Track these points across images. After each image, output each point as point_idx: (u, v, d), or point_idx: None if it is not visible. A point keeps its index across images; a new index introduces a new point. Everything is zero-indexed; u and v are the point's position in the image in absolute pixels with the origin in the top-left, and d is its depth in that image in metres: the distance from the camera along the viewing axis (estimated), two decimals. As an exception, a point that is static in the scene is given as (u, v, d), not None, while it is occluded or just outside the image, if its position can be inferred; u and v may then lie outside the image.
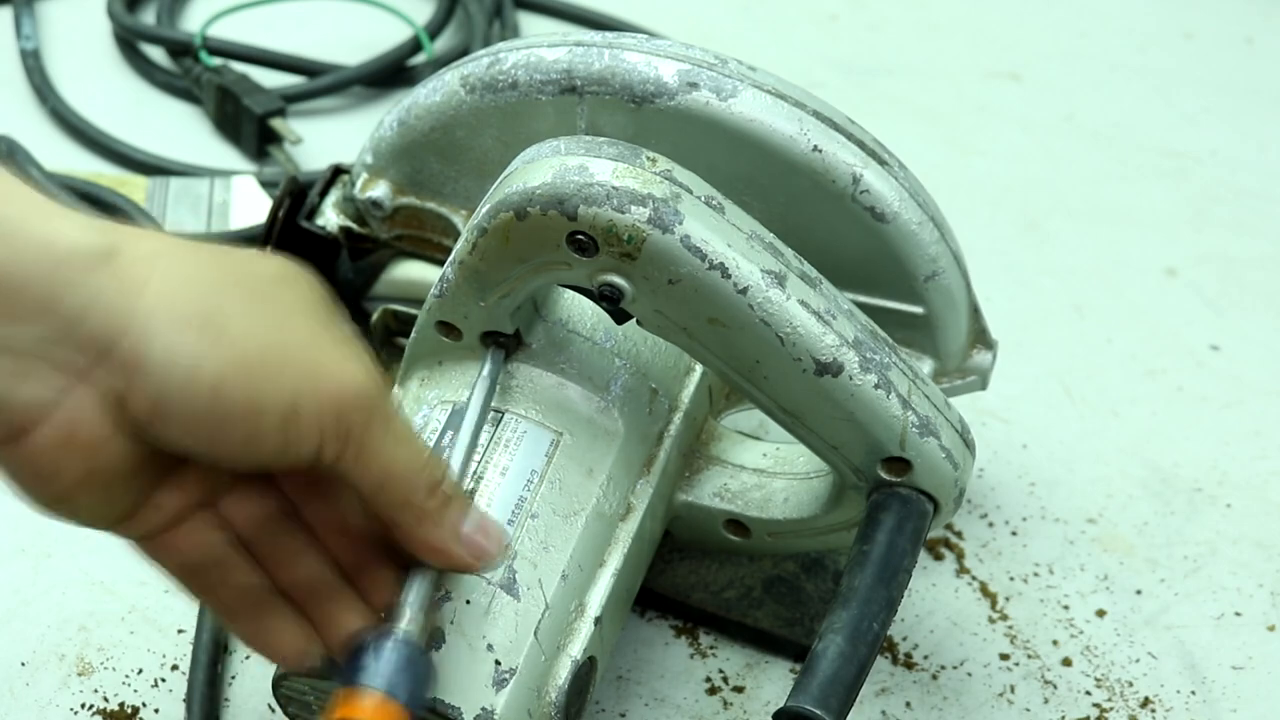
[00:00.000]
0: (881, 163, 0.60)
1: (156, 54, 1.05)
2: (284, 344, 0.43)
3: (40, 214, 0.41)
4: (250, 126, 0.94)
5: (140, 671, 0.63)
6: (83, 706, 0.62)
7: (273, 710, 0.61)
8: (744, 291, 0.52)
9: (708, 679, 0.65)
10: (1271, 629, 0.69)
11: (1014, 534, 0.73)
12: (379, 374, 0.46)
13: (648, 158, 0.52)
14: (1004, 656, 0.67)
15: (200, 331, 0.42)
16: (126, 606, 0.66)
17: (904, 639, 0.67)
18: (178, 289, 0.42)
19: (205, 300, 0.43)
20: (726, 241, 0.52)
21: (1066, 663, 0.67)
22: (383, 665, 0.46)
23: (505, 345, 0.57)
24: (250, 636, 0.49)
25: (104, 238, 0.42)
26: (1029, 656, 0.67)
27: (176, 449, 0.44)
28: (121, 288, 0.41)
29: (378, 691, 0.45)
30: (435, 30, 1.06)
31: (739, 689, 0.65)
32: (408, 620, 0.47)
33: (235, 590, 0.48)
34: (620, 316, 0.55)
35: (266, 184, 0.89)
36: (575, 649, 0.54)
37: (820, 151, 0.59)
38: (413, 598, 0.48)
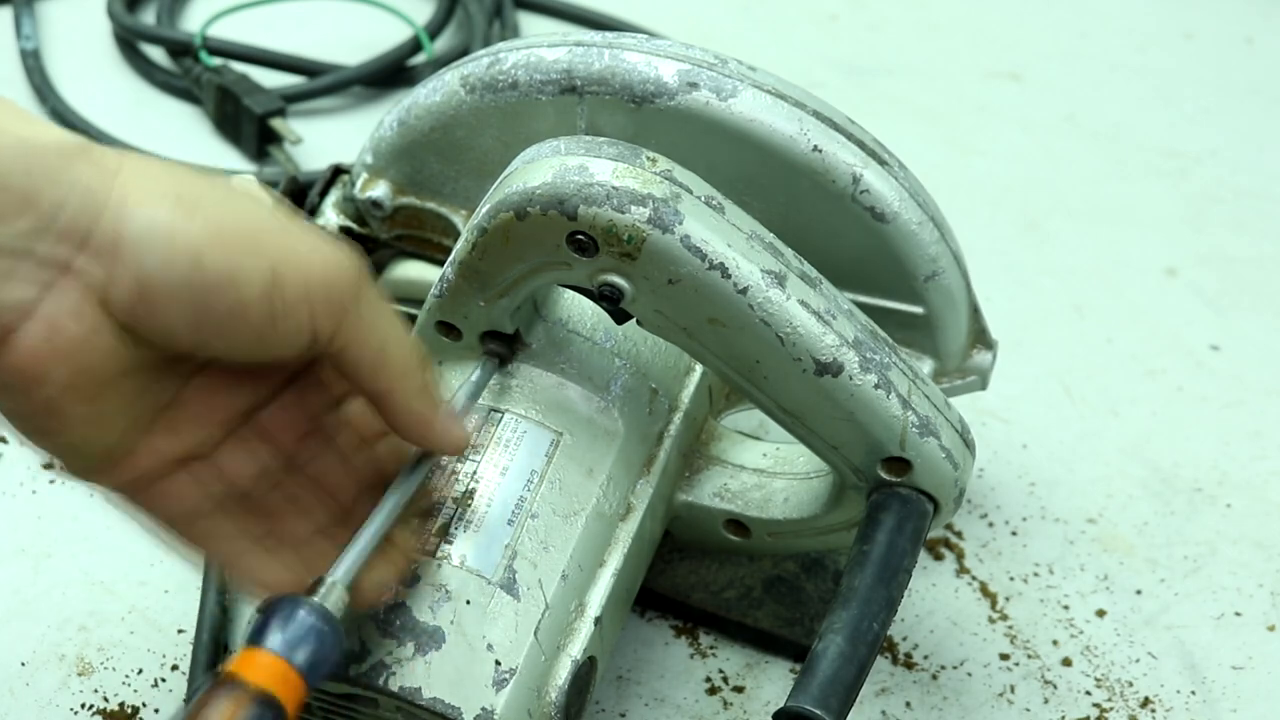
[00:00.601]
0: (881, 163, 0.60)
1: (156, 54, 1.05)
2: (260, 221, 0.44)
3: (18, 119, 0.42)
4: (250, 126, 0.95)
5: (140, 671, 0.63)
6: (83, 706, 0.62)
7: (273, 710, 0.61)
8: (744, 291, 0.52)
9: (708, 679, 0.65)
10: (1271, 629, 0.69)
11: (1014, 534, 0.73)
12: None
13: (648, 158, 0.52)
14: (1004, 656, 0.67)
15: (175, 204, 0.42)
16: (126, 606, 0.66)
17: (904, 639, 0.67)
18: (151, 173, 0.43)
19: (178, 182, 0.43)
20: (726, 241, 0.52)
21: (1066, 663, 0.67)
22: (289, 631, 0.45)
23: (499, 355, 0.57)
24: (240, 576, 0.49)
25: (79, 139, 0.42)
26: (1029, 656, 0.67)
27: (162, 337, 0.43)
28: (98, 173, 0.42)
29: (277, 655, 0.45)
30: (435, 30, 1.06)
31: (739, 689, 0.65)
32: (325, 589, 0.47)
33: (226, 541, 0.48)
34: (620, 316, 0.55)
35: (266, 184, 0.89)
36: (575, 649, 0.54)
37: (820, 151, 0.59)
38: (341, 569, 0.47)
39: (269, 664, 0.44)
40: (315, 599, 0.46)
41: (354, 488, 0.50)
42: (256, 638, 0.45)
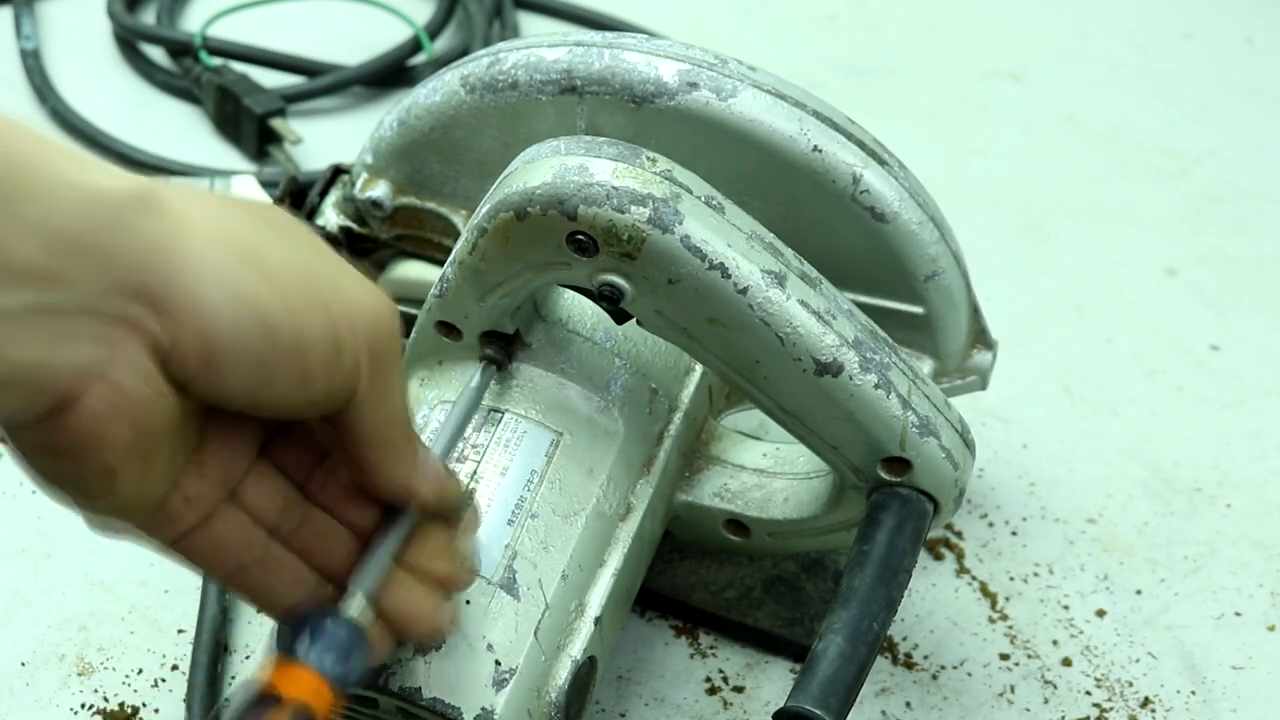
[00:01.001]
0: (881, 163, 0.60)
1: (156, 54, 1.05)
2: (317, 275, 0.43)
3: (75, 165, 0.39)
4: (250, 126, 0.95)
5: (140, 671, 0.63)
6: (83, 706, 0.62)
7: (273, 710, 0.61)
8: (744, 291, 0.52)
9: (708, 679, 0.65)
10: (1271, 629, 0.69)
11: (1014, 534, 0.73)
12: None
13: (648, 158, 0.52)
14: (1004, 656, 0.67)
15: (242, 262, 0.41)
16: (126, 606, 0.66)
17: (904, 639, 0.67)
18: (219, 227, 0.41)
19: (246, 237, 0.42)
20: (726, 241, 0.52)
21: (1066, 663, 0.67)
22: (321, 643, 0.45)
23: (497, 361, 0.57)
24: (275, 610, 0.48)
25: (138, 183, 0.41)
26: (1029, 656, 0.67)
27: (221, 397, 0.42)
28: (163, 224, 0.40)
29: (313, 670, 0.44)
30: (435, 30, 1.06)
31: (739, 689, 0.65)
32: (352, 601, 0.46)
33: (280, 581, 0.47)
34: (620, 316, 0.55)
35: (266, 184, 0.89)
36: (575, 649, 0.54)
37: (820, 151, 0.59)
38: (364, 577, 0.47)
39: (306, 679, 0.44)
40: (345, 613, 0.46)
41: (369, 512, 0.48)
42: (291, 649, 0.45)
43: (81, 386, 0.39)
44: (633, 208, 0.51)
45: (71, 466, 0.41)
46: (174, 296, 0.40)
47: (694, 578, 0.67)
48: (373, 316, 0.44)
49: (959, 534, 0.73)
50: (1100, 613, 0.69)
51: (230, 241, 0.41)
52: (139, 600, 0.66)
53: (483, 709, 0.51)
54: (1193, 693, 0.66)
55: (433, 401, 0.58)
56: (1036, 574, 0.71)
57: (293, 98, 0.98)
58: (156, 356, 0.40)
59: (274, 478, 0.47)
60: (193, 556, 0.46)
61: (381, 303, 0.44)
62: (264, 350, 0.41)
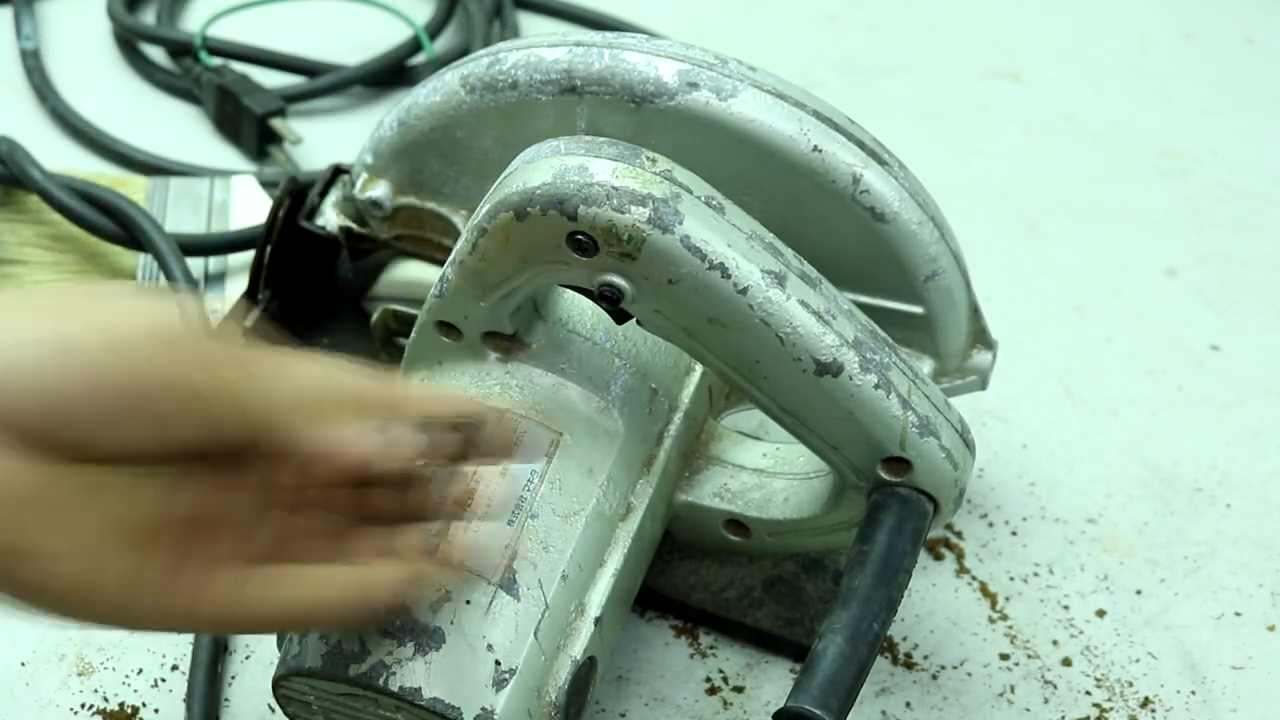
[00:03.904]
0: (881, 163, 0.60)
1: (156, 54, 1.05)
2: (121, 302, 0.43)
3: None
4: (250, 126, 0.95)
5: (140, 671, 0.63)
6: (83, 706, 0.62)
7: (273, 710, 0.61)
8: (744, 291, 0.52)
9: (708, 679, 0.65)
10: (1271, 629, 0.69)
11: (1014, 534, 0.73)
12: None
13: (648, 158, 0.52)
14: (1004, 656, 0.67)
15: (36, 311, 0.41)
16: (126, 606, 0.66)
17: (904, 639, 0.67)
18: (17, 302, 0.42)
19: (31, 297, 0.43)
20: (726, 241, 0.52)
21: (1066, 663, 0.67)
22: None
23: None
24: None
25: None
26: (1029, 656, 0.67)
27: (93, 439, 0.41)
28: None
29: None
30: (435, 30, 1.06)
31: (739, 689, 0.65)
32: None
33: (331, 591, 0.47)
34: (620, 316, 0.55)
35: (266, 184, 0.89)
36: (575, 649, 0.54)
37: (820, 151, 0.59)
38: None
39: None
40: None
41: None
42: None
43: None
44: (633, 208, 0.51)
45: (14, 573, 0.41)
46: None
47: (694, 578, 0.67)
48: (156, 323, 0.42)
49: (959, 534, 0.73)
50: (1100, 613, 0.70)
51: (29, 305, 0.42)
52: (139, 600, 0.66)
53: (483, 709, 0.51)
54: (1193, 693, 0.66)
55: (433, 401, 0.58)
56: (1036, 574, 0.71)
57: (293, 98, 0.98)
58: (5, 431, 0.40)
59: (307, 512, 0.47)
60: (249, 625, 0.47)
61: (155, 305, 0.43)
62: (83, 369, 0.40)
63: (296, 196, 0.72)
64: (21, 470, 0.40)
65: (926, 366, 0.65)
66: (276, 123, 0.94)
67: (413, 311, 0.59)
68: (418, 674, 0.51)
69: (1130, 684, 0.66)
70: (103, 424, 0.41)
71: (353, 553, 0.48)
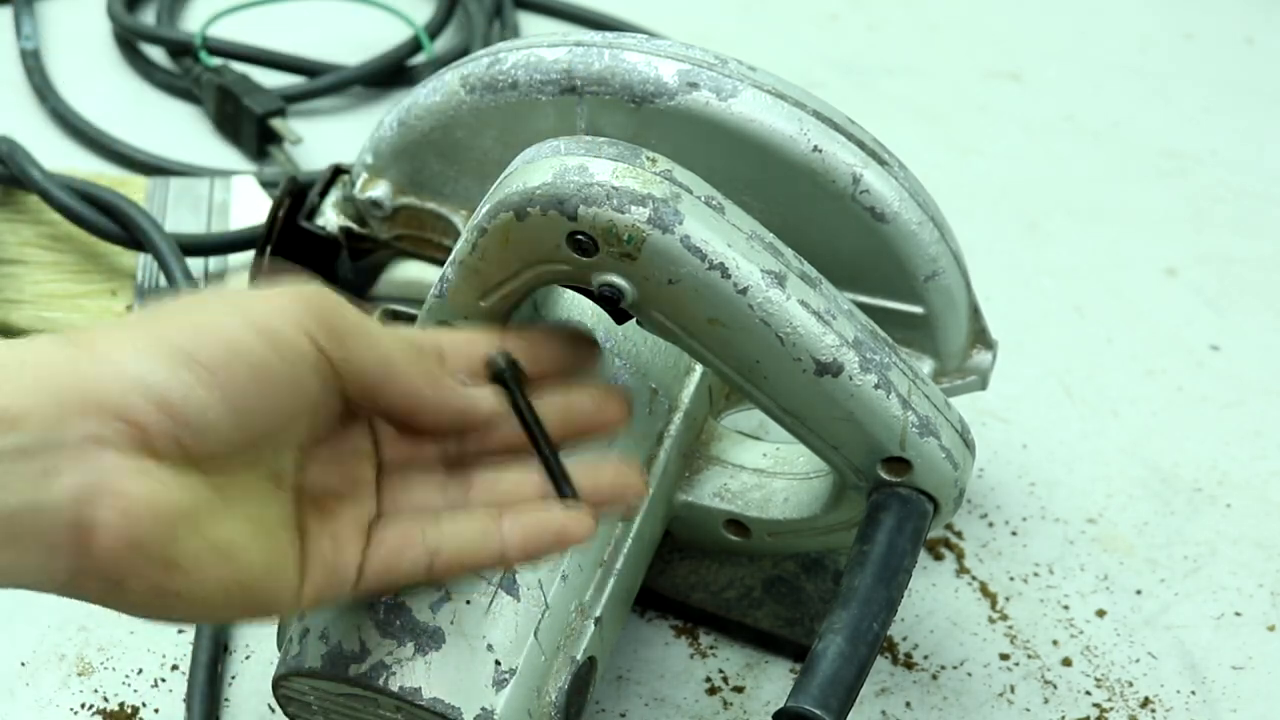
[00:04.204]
0: (881, 163, 0.60)
1: (156, 54, 1.05)
2: (219, 306, 0.45)
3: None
4: (250, 126, 0.95)
5: (140, 671, 0.63)
6: (83, 706, 0.62)
7: (273, 710, 0.61)
8: (744, 291, 0.52)
9: (708, 679, 0.65)
10: (1271, 629, 0.69)
11: (1014, 534, 0.73)
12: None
13: (648, 158, 0.52)
14: (1004, 656, 0.67)
15: (144, 329, 0.43)
16: (126, 606, 0.66)
17: (904, 639, 0.67)
18: (110, 328, 0.43)
19: (136, 319, 0.45)
20: (726, 241, 0.52)
21: (1066, 663, 0.67)
22: None
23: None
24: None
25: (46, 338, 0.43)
26: (1029, 656, 0.67)
27: (222, 439, 0.43)
28: (82, 344, 0.42)
29: None
30: (435, 30, 1.06)
31: (739, 689, 0.65)
32: None
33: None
34: (620, 316, 0.55)
35: (266, 184, 0.89)
36: (575, 649, 0.54)
37: (820, 151, 0.59)
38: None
39: None
40: None
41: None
42: None
43: (89, 514, 0.40)
44: (633, 208, 0.51)
45: (135, 582, 0.42)
46: (111, 393, 0.41)
47: (694, 578, 0.67)
48: (285, 292, 0.45)
49: (959, 534, 0.73)
50: (1100, 613, 0.70)
51: (125, 326, 0.43)
52: (139, 600, 0.66)
53: (483, 709, 0.51)
54: (1193, 693, 0.66)
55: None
56: (1036, 574, 0.71)
57: (293, 98, 0.98)
58: (138, 449, 0.41)
59: (417, 470, 0.50)
60: (388, 586, 0.49)
61: (293, 287, 0.46)
62: (205, 375, 0.42)
63: (296, 196, 0.72)
64: (161, 485, 0.42)
65: (926, 366, 0.65)
66: (276, 123, 0.94)
67: (413, 311, 0.59)
68: (418, 674, 0.51)
69: (1130, 684, 0.66)
70: (224, 423, 0.43)
71: (468, 502, 0.50)
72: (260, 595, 0.45)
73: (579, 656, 0.54)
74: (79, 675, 0.63)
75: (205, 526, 0.43)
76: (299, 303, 0.45)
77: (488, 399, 0.50)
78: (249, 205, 0.87)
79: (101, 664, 0.63)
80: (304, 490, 0.47)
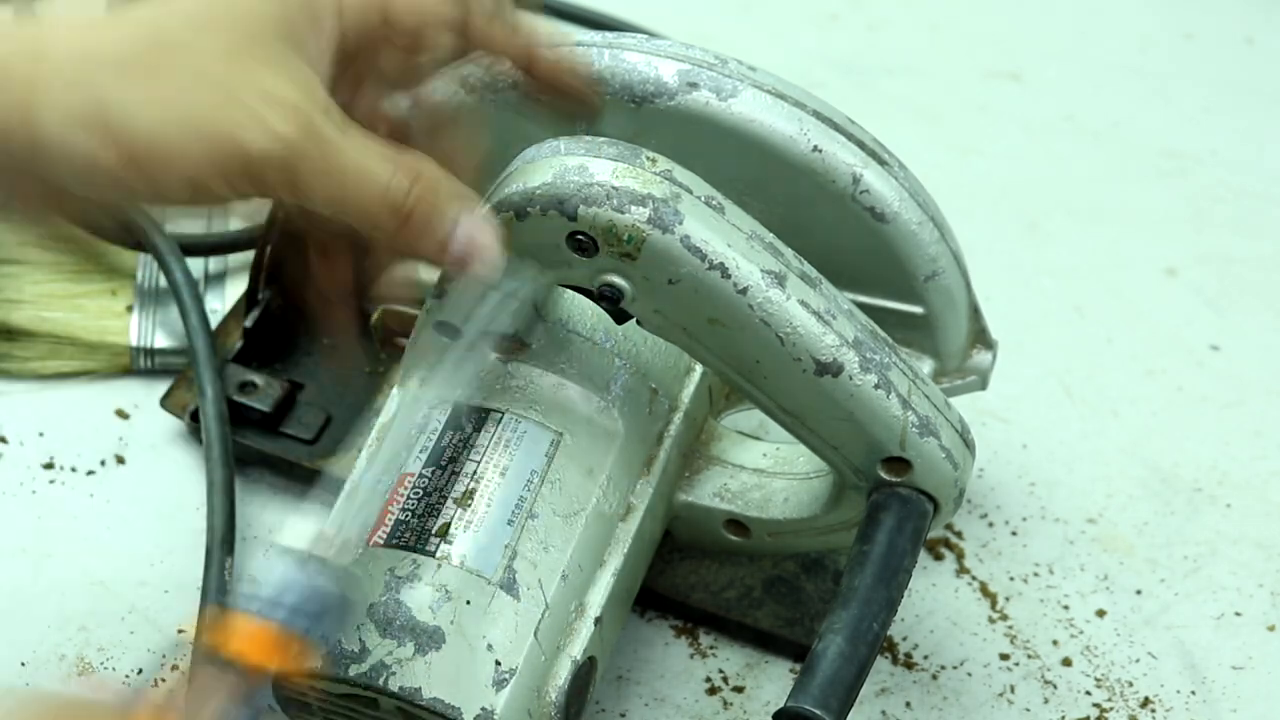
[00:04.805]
0: (881, 163, 0.60)
1: (156, 54, 1.04)
2: (178, 119, 0.44)
3: None
4: (250, 126, 0.94)
5: (140, 671, 0.63)
6: (83, 706, 0.62)
7: (273, 710, 0.61)
8: (744, 291, 0.52)
9: (708, 679, 0.65)
10: (1271, 629, 0.69)
11: (1014, 534, 0.73)
12: (309, 99, 0.46)
13: (648, 158, 0.52)
14: (1004, 656, 0.67)
15: (87, 130, 0.43)
16: (126, 606, 0.66)
17: (904, 639, 0.67)
18: (70, 78, 0.43)
19: (95, 90, 0.43)
20: (726, 241, 0.52)
21: (1066, 663, 0.67)
22: (267, 589, 0.44)
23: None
24: None
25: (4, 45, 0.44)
26: (1029, 656, 0.67)
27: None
28: (13, 94, 0.43)
29: (252, 616, 0.43)
30: (435, 30, 1.06)
31: (739, 689, 0.65)
32: (311, 540, 0.45)
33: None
34: (620, 316, 0.55)
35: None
36: (575, 649, 0.54)
37: (820, 151, 0.59)
38: (332, 520, 0.47)
39: (242, 628, 0.43)
40: (291, 545, 0.45)
41: None
42: (247, 603, 0.44)
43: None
44: (633, 208, 0.51)
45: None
46: (20, 155, 0.43)
47: (694, 578, 0.67)
48: (243, 150, 0.45)
49: (959, 534, 0.73)
50: (1100, 613, 0.69)
51: (78, 99, 0.43)
52: (139, 600, 0.66)
53: (483, 709, 0.51)
54: (1193, 693, 0.66)
55: (434, 401, 0.58)
56: (1036, 574, 0.71)
57: (293, 98, 0.98)
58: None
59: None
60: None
61: (263, 126, 0.45)
62: (126, 198, 0.46)
63: (296, 196, 0.72)
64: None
65: (926, 366, 0.65)
66: (276, 123, 0.93)
67: (413, 311, 0.59)
68: (418, 674, 0.51)
69: (1130, 684, 0.66)
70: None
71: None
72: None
73: (579, 656, 0.54)
74: (79, 675, 0.63)
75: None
76: (243, 159, 0.45)
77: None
78: (249, 204, 0.86)
79: (101, 664, 0.63)
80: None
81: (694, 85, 0.59)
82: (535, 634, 0.53)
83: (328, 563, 0.45)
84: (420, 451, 0.57)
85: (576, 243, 0.51)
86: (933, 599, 0.70)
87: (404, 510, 0.55)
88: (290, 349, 0.75)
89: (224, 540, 0.65)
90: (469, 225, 0.48)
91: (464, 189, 0.48)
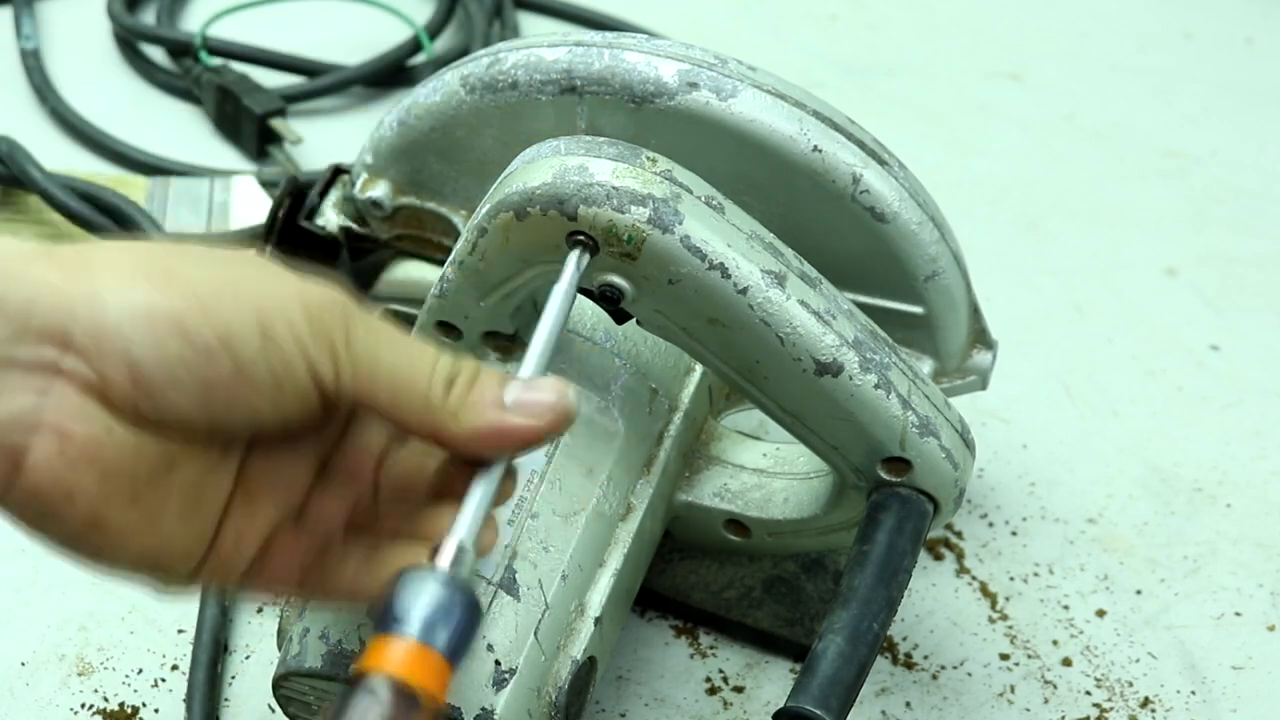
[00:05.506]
0: (881, 163, 0.60)
1: (156, 54, 1.05)
2: (237, 278, 0.42)
3: None
4: (250, 126, 0.94)
5: (140, 671, 0.63)
6: (83, 706, 0.62)
7: (273, 710, 0.61)
8: (744, 291, 0.52)
9: (708, 679, 0.65)
10: (1271, 629, 0.69)
11: (1014, 534, 0.73)
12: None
13: (648, 158, 0.52)
14: (1004, 656, 0.67)
15: (148, 281, 0.40)
16: (126, 606, 0.66)
17: (904, 639, 0.67)
18: (120, 258, 0.41)
19: (150, 259, 0.41)
20: (726, 241, 0.52)
21: (1066, 663, 0.67)
22: (419, 610, 0.41)
23: (590, 247, 0.52)
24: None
25: (38, 243, 0.41)
26: (1029, 656, 0.67)
27: (176, 419, 0.41)
28: (63, 269, 0.40)
29: (412, 639, 0.40)
30: (435, 30, 1.06)
31: (739, 689, 0.65)
32: (450, 558, 0.42)
33: (344, 579, 0.46)
34: (620, 316, 0.55)
35: (266, 184, 0.89)
36: (575, 649, 0.54)
37: (820, 151, 0.59)
38: (460, 530, 0.43)
39: (410, 651, 0.40)
40: (445, 568, 0.42)
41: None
42: (385, 623, 0.41)
43: (22, 439, 0.39)
44: (633, 208, 0.51)
45: (60, 527, 0.41)
46: (86, 330, 0.39)
47: (694, 578, 0.67)
48: (304, 291, 0.42)
49: (959, 534, 0.73)
50: (1100, 613, 0.69)
51: (135, 266, 0.41)
52: (139, 600, 0.66)
53: (483, 709, 0.51)
54: (1193, 693, 0.66)
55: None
56: (1036, 574, 0.71)
57: (293, 98, 0.98)
58: (94, 396, 0.40)
59: (339, 485, 0.46)
60: (259, 590, 0.46)
61: (316, 283, 0.43)
62: (189, 356, 0.40)
63: (296, 196, 0.72)
64: (107, 437, 0.40)
65: (926, 366, 0.65)
66: (276, 123, 0.94)
67: (413, 311, 0.59)
68: (418, 674, 0.51)
69: (1130, 684, 0.66)
70: (190, 406, 0.41)
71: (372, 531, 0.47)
72: (163, 568, 0.43)
73: (579, 656, 0.54)
74: (79, 675, 0.63)
75: (142, 493, 0.41)
76: (310, 319, 0.42)
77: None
78: (249, 205, 0.87)
79: (101, 664, 0.63)
80: (244, 470, 0.44)
81: (694, 85, 0.59)
82: (535, 634, 0.53)
83: (468, 581, 0.43)
84: (420, 451, 0.56)
85: (576, 243, 0.51)
86: (933, 599, 0.70)
87: (404, 510, 0.55)
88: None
89: (224, 540, 0.64)
90: (526, 383, 0.45)
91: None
